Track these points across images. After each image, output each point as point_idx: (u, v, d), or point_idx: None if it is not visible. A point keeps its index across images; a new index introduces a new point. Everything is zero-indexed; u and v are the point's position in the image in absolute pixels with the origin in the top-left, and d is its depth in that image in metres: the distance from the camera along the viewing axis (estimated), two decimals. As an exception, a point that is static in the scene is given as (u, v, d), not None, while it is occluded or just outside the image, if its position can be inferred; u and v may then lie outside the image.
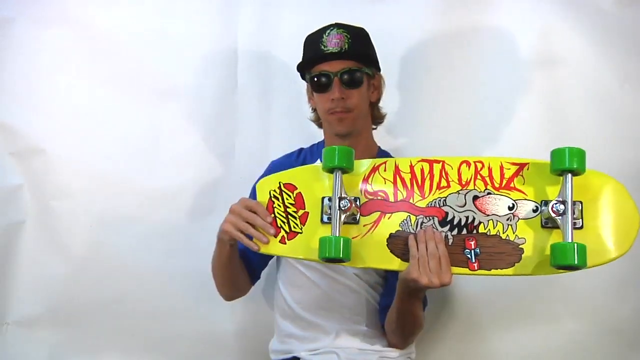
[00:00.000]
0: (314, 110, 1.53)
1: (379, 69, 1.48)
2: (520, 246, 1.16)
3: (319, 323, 1.45)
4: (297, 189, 1.26)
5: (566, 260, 1.08)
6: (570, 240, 1.09)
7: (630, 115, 1.65)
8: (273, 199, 1.27)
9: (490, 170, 1.20)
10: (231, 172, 1.73)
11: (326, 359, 1.43)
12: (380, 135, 1.61)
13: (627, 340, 1.66)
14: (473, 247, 1.17)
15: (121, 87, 1.79)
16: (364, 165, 1.25)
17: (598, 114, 1.66)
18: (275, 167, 1.52)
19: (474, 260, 1.17)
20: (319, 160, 1.49)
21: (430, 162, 1.22)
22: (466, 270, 1.18)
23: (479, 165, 1.20)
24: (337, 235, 1.18)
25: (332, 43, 1.38)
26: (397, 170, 1.23)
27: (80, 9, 1.79)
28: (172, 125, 1.80)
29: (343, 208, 1.19)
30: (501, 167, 1.20)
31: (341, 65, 1.38)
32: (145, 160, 1.79)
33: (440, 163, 1.22)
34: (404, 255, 1.20)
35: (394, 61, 1.72)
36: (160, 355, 1.81)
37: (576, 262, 1.07)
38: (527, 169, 1.19)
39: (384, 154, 1.52)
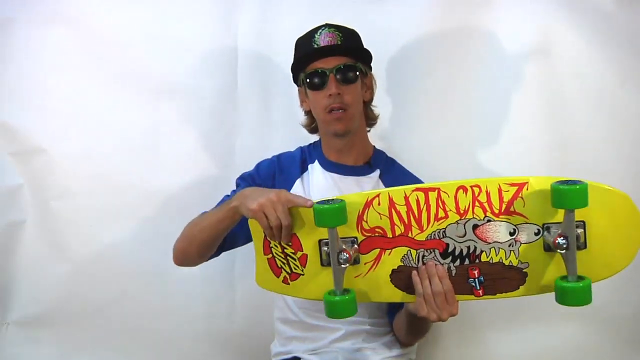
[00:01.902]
0: (307, 112, 1.52)
1: (370, 68, 1.49)
2: (524, 270, 1.15)
3: (322, 325, 1.45)
4: (291, 238, 1.22)
5: (570, 302, 1.08)
6: (574, 277, 1.07)
7: (630, 115, 1.65)
8: (269, 238, 1.25)
9: (488, 194, 1.14)
10: (231, 172, 1.72)
11: (327, 358, 1.44)
12: (378, 135, 1.61)
13: (627, 341, 1.66)
14: (477, 275, 1.16)
15: (121, 86, 1.78)
16: (356, 201, 1.19)
17: (598, 113, 1.66)
18: (263, 170, 1.50)
19: (478, 288, 1.17)
20: (311, 167, 1.49)
21: (425, 191, 1.16)
22: (472, 297, 1.17)
23: (476, 191, 1.14)
24: (340, 290, 1.16)
25: (324, 41, 1.39)
26: (391, 204, 1.18)
27: (81, 9, 1.79)
28: (172, 125, 1.80)
29: (343, 261, 1.17)
30: (499, 190, 1.13)
31: (336, 62, 1.38)
32: (145, 160, 1.79)
33: (436, 191, 1.16)
34: (408, 289, 1.19)
35: (393, 61, 1.72)
36: (160, 355, 1.82)
37: (581, 303, 1.07)
38: (527, 189, 1.12)
39: (379, 153, 1.53)
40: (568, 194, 1.04)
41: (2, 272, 1.81)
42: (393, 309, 1.45)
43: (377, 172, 1.47)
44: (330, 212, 1.12)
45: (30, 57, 1.79)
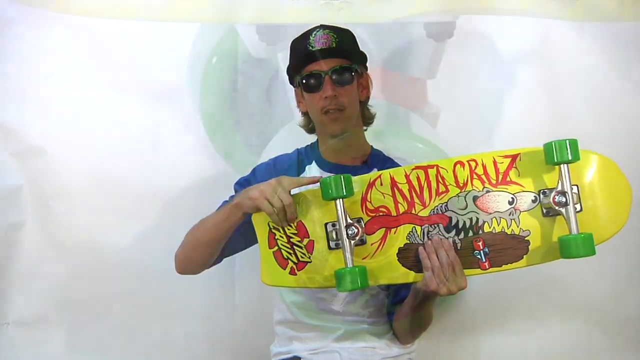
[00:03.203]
0: (304, 114, 1.52)
1: (366, 68, 1.49)
2: (526, 238, 1.19)
3: (322, 325, 1.46)
4: (296, 217, 1.24)
5: (575, 253, 1.11)
6: (575, 232, 1.12)
7: (630, 115, 1.66)
8: (274, 230, 1.26)
9: (484, 167, 1.21)
10: (231, 172, 1.73)
11: (328, 358, 1.44)
12: (374, 134, 1.61)
13: (627, 341, 1.66)
14: (481, 247, 1.20)
15: (121, 87, 1.79)
16: (359, 183, 1.24)
17: (599, 114, 1.67)
18: (260, 174, 1.49)
19: (484, 260, 1.20)
20: (309, 168, 1.49)
21: (425, 168, 1.22)
22: (478, 271, 1.20)
23: (473, 164, 1.21)
24: (351, 265, 1.18)
25: (319, 43, 1.39)
26: (393, 183, 1.23)
27: (81, 9, 1.79)
28: (172, 125, 1.80)
29: (351, 235, 1.19)
30: (494, 162, 1.21)
31: (331, 64, 1.38)
32: (145, 160, 1.79)
33: (435, 167, 1.22)
34: (416, 267, 1.22)
35: (391, 60, 1.72)
36: (160, 355, 1.81)
37: (586, 254, 1.11)
38: (520, 160, 1.20)
39: (376, 153, 1.53)
40: (561, 147, 1.12)
41: (2, 272, 1.81)
42: (393, 306, 1.44)
43: (375, 172, 1.47)
44: (337, 182, 1.16)
45: (30, 57, 1.79)
